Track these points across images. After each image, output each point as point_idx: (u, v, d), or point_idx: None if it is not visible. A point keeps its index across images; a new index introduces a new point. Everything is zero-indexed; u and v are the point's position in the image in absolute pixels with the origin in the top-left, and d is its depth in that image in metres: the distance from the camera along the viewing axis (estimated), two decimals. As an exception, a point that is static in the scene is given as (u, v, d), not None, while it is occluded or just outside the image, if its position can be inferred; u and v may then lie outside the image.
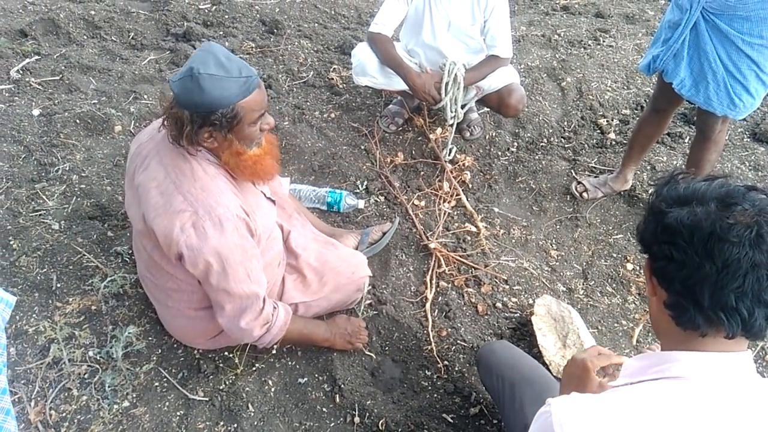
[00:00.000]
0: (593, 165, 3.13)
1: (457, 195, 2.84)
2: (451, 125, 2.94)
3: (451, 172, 2.96)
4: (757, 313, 0.88)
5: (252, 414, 1.92)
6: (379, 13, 2.84)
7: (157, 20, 3.96)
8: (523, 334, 2.27)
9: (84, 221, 2.46)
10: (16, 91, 3.14)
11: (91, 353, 2.02)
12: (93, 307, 2.15)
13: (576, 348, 2.07)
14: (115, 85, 3.30)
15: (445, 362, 2.14)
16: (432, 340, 2.19)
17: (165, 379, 1.99)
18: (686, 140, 3.27)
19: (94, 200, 2.55)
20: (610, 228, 2.81)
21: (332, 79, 3.55)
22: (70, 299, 2.17)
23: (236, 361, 2.02)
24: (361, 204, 2.73)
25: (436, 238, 2.59)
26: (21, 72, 3.26)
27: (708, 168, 2.57)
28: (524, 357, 1.77)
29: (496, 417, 1.99)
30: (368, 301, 2.25)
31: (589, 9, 4.66)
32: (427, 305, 2.31)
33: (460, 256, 2.53)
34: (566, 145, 3.26)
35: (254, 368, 2.04)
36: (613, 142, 3.25)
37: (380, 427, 1.92)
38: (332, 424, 1.93)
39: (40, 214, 2.46)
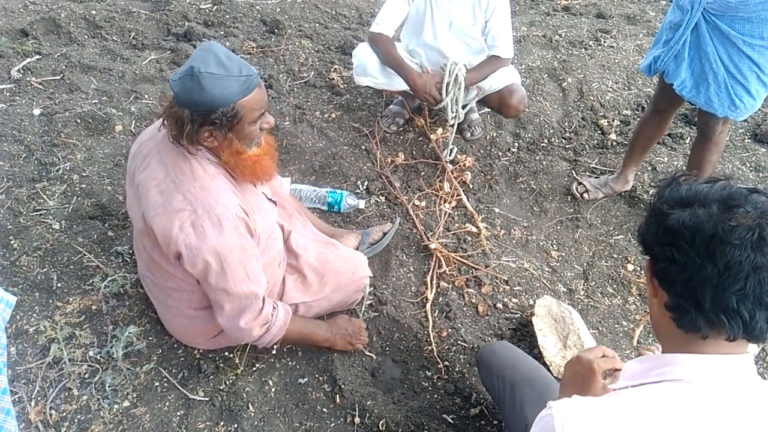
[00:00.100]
0: (594, 166, 3.12)
1: (457, 195, 2.84)
2: (452, 126, 2.94)
3: (452, 172, 2.95)
4: (759, 315, 0.88)
5: (252, 414, 1.92)
6: (380, 13, 2.84)
7: (158, 20, 3.96)
8: (524, 334, 2.27)
9: (84, 221, 2.46)
10: (17, 90, 3.14)
11: (91, 353, 2.02)
12: (93, 307, 2.15)
13: (577, 349, 2.07)
14: (116, 85, 3.30)
15: (446, 363, 2.14)
16: (432, 340, 2.19)
17: (165, 379, 1.99)
18: (687, 141, 3.27)
19: (95, 200, 2.56)
20: (611, 229, 2.81)
21: (333, 79, 3.55)
22: (71, 299, 2.17)
23: (236, 361, 2.02)
24: (362, 204, 2.73)
25: (437, 239, 2.59)
26: (22, 71, 3.26)
27: (709, 169, 2.57)
28: (525, 358, 1.77)
29: (496, 417, 1.99)
30: (369, 302, 2.24)
31: (590, 9, 4.66)
32: (428, 306, 2.31)
33: (460, 257, 2.53)
34: (567, 146, 3.26)
35: (254, 368, 2.04)
36: (614, 143, 3.25)
37: (380, 428, 1.91)
38: (332, 425, 1.93)
39: (40, 214, 2.46)
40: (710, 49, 2.20)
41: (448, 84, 2.76)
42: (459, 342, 2.22)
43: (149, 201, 1.65)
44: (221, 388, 1.97)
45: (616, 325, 2.38)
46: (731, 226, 0.87)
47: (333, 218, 2.68)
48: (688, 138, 3.28)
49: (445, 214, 2.74)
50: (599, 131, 3.35)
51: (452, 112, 2.86)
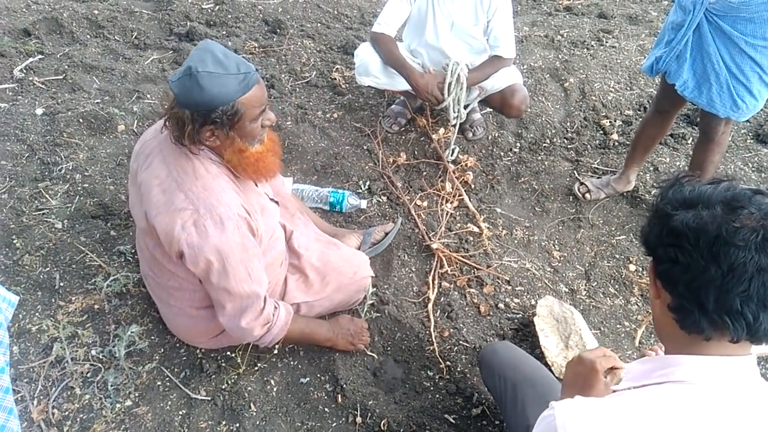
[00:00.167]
0: (596, 166, 3.12)
1: (459, 195, 2.84)
2: (454, 125, 2.94)
3: (454, 172, 2.95)
4: (762, 317, 0.88)
5: (254, 413, 1.92)
6: (382, 13, 2.84)
7: (160, 20, 3.96)
8: (526, 334, 2.27)
9: (87, 220, 2.46)
10: (20, 90, 3.15)
11: (93, 352, 2.02)
12: (96, 306, 2.16)
13: (578, 349, 2.07)
14: (119, 85, 3.30)
15: (447, 363, 2.14)
16: (434, 340, 2.19)
17: (167, 379, 1.99)
18: (689, 141, 3.26)
19: (97, 199, 2.56)
20: (613, 229, 2.81)
21: (335, 79, 3.55)
22: (73, 298, 2.17)
23: (238, 360, 2.03)
24: (364, 204, 2.73)
25: (439, 239, 2.59)
26: (24, 71, 3.27)
27: (711, 169, 2.57)
28: (526, 358, 1.77)
29: (498, 418, 1.99)
30: (370, 302, 2.24)
31: (592, 10, 4.66)
32: (430, 306, 2.31)
33: (462, 257, 2.53)
34: (569, 146, 3.26)
35: (256, 368, 2.04)
36: (616, 143, 3.24)
37: (382, 428, 1.92)
38: (334, 424, 1.93)
39: (43, 213, 2.47)
40: (712, 50, 2.20)
41: (450, 84, 2.76)
42: (461, 342, 2.22)
43: (151, 200, 1.65)
44: (223, 387, 1.97)
45: (618, 326, 2.38)
46: (735, 227, 0.87)
47: (335, 218, 2.68)
48: (690, 138, 3.28)
49: (446, 214, 2.74)
50: (601, 131, 3.34)
51: (454, 112, 2.86)
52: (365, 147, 3.09)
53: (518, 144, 3.24)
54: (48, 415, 1.85)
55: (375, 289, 2.32)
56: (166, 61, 3.59)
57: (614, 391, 1.12)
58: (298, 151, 3.00)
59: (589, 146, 3.25)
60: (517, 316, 2.35)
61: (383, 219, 2.70)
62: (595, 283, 2.55)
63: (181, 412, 1.91)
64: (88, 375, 1.96)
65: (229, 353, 2.06)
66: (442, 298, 2.37)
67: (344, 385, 2.01)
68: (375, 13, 4.28)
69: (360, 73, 2.91)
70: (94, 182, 2.64)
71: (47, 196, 2.55)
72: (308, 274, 2.07)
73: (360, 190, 2.83)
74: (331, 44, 3.92)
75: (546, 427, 0.94)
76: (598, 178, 3.01)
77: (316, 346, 2.08)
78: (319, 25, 4.13)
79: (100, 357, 2.01)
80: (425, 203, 2.81)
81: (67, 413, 1.87)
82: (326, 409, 1.97)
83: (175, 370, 2.02)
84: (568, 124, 3.38)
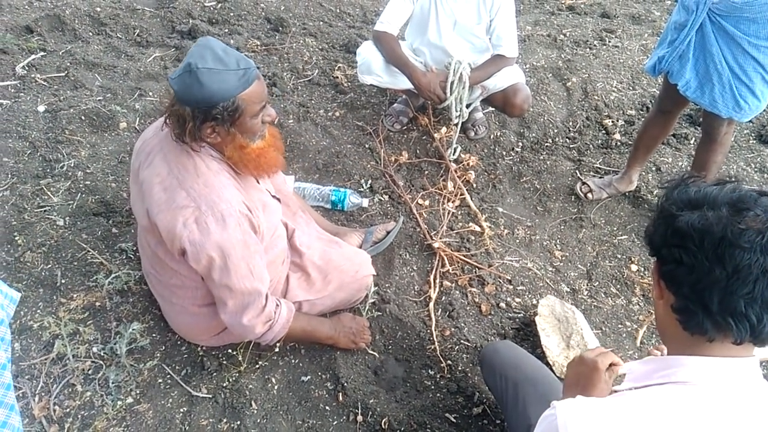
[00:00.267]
0: (598, 166, 3.12)
1: (461, 194, 2.84)
2: (456, 124, 2.94)
3: (456, 171, 2.95)
4: (766, 319, 0.88)
5: (255, 411, 1.92)
6: (385, 11, 2.84)
7: (162, 17, 3.96)
8: (527, 334, 2.27)
9: (89, 217, 2.46)
10: (22, 87, 3.15)
11: (95, 349, 2.02)
12: (97, 304, 2.16)
13: (580, 349, 2.07)
14: (121, 82, 3.30)
15: (449, 362, 2.14)
16: (435, 339, 2.19)
17: (168, 376, 1.99)
18: (692, 141, 3.26)
19: (99, 197, 2.56)
20: (615, 229, 2.80)
21: (337, 77, 3.55)
22: (75, 295, 2.17)
23: (240, 358, 2.03)
24: (365, 203, 2.73)
25: (440, 238, 2.59)
26: (26, 68, 3.27)
27: (714, 170, 2.56)
28: (528, 357, 1.76)
29: (499, 417, 1.99)
30: (372, 300, 2.24)
31: (595, 9, 4.65)
32: (431, 304, 2.31)
33: (464, 256, 2.53)
34: (571, 146, 3.25)
35: (257, 366, 2.04)
36: (618, 143, 3.24)
37: (383, 426, 1.92)
38: (335, 423, 1.93)
39: (44, 210, 2.47)
40: (715, 50, 2.20)
41: (452, 83, 2.76)
42: (462, 341, 2.22)
43: (153, 198, 1.65)
44: (224, 385, 1.97)
45: (620, 326, 2.38)
46: (740, 229, 0.87)
47: (336, 217, 2.68)
48: (693, 138, 3.27)
49: (448, 213, 2.74)
50: (603, 131, 3.34)
51: (456, 111, 2.86)
52: (367, 146, 3.09)
53: (520, 143, 3.24)
54: (49, 412, 1.85)
55: (376, 287, 2.32)
56: (168, 58, 3.59)
57: (616, 391, 1.12)
58: (300, 150, 3.00)
59: (591, 146, 3.24)
60: (519, 315, 2.35)
61: (385, 218, 2.70)
62: (597, 282, 2.54)
63: (182, 410, 1.91)
64: (90, 372, 1.96)
65: (230, 351, 2.06)
66: (444, 297, 2.37)
67: (345, 384, 2.01)
68: (377, 11, 4.28)
69: (362, 72, 2.91)
70: (95, 179, 2.64)
71: (49, 193, 2.55)
72: (310, 272, 2.07)
73: (362, 189, 2.83)
74: (333, 42, 3.91)
75: (547, 426, 0.94)
76: (600, 177, 3.01)
77: (317, 345, 2.08)
78: (321, 23, 4.13)
79: (102, 354, 2.01)
80: (427, 202, 2.81)
81: (68, 410, 1.87)
82: (327, 408, 1.97)
83: (177, 367, 2.02)
84: (571, 123, 3.38)
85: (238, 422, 1.89)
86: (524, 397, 1.60)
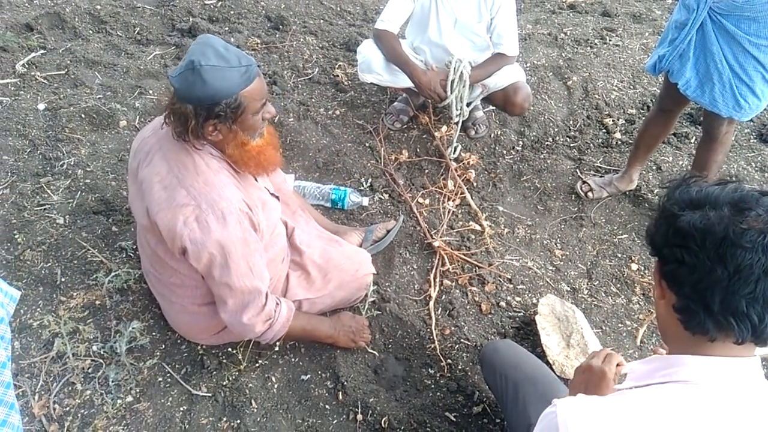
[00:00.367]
0: (598, 164, 3.12)
1: (461, 193, 2.84)
2: (457, 123, 2.94)
3: (456, 170, 2.95)
4: None
5: (255, 410, 1.92)
6: (385, 9, 2.83)
7: (162, 15, 3.96)
8: (527, 333, 2.27)
9: (89, 216, 2.46)
10: (22, 85, 3.14)
11: (95, 348, 2.02)
12: (97, 302, 2.16)
13: (580, 348, 2.07)
14: (121, 80, 3.30)
15: (449, 361, 2.14)
16: (435, 338, 2.19)
17: (168, 375, 1.99)
18: (692, 140, 3.26)
19: (99, 195, 2.56)
20: (615, 228, 2.80)
21: (337, 75, 3.55)
22: (75, 294, 2.17)
23: (239, 357, 2.03)
24: (366, 201, 2.73)
25: (441, 237, 2.59)
26: (26, 66, 3.26)
27: (714, 169, 2.56)
28: (528, 356, 1.76)
29: (498, 416, 1.99)
30: (372, 299, 2.24)
31: (596, 8, 4.64)
32: (431, 303, 2.31)
33: (464, 255, 2.53)
34: (571, 145, 3.25)
35: (257, 364, 2.04)
36: (619, 142, 3.24)
37: (383, 425, 1.92)
38: (335, 421, 1.93)
39: (44, 209, 2.47)
40: (715, 49, 2.19)
41: (452, 81, 2.76)
42: (462, 340, 2.22)
43: (153, 197, 1.65)
44: (224, 383, 1.97)
45: (620, 325, 2.38)
46: (742, 228, 0.87)
47: (336, 215, 2.68)
48: (694, 137, 3.27)
49: (448, 212, 2.74)
50: (604, 130, 3.34)
51: (457, 109, 2.86)
52: (367, 144, 3.08)
53: (521, 142, 3.23)
54: (49, 411, 1.85)
55: (376, 286, 2.32)
56: (168, 56, 3.58)
57: (617, 390, 1.12)
58: (300, 148, 3.00)
59: (591, 145, 3.24)
60: (519, 314, 2.35)
61: (385, 216, 2.70)
62: (597, 281, 2.54)
63: (182, 408, 1.91)
64: (89, 370, 1.96)
65: (230, 350, 2.06)
66: (444, 296, 2.37)
67: (345, 383, 2.01)
68: (378, 9, 4.27)
69: (362, 70, 2.91)
70: (95, 178, 2.64)
71: (49, 191, 2.55)
72: (310, 271, 2.07)
73: (362, 188, 2.83)
74: (333, 41, 3.91)
75: (548, 424, 0.94)
76: (600, 176, 3.00)
77: (317, 343, 2.08)
78: (321, 21, 4.12)
79: (101, 353, 2.01)
80: (427, 201, 2.81)
81: (68, 408, 1.87)
82: (327, 406, 1.97)
83: (176, 366, 2.02)
84: (571, 122, 3.37)
85: (238, 421, 1.89)
86: (524, 397, 1.60)
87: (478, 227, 2.67)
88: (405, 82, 2.87)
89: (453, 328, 2.25)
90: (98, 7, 3.86)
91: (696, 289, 0.91)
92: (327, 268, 2.09)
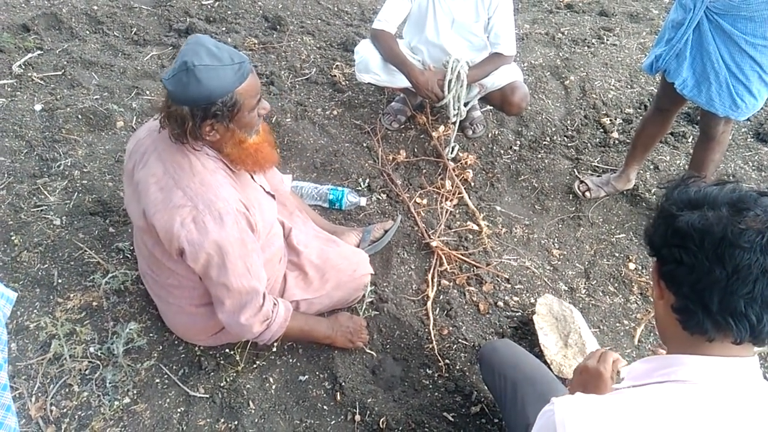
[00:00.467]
0: (596, 164, 3.12)
1: (459, 193, 2.84)
2: (454, 123, 2.94)
3: (454, 170, 2.95)
4: (766, 319, 0.88)
5: (253, 411, 1.91)
6: (383, 9, 2.83)
7: (159, 16, 3.95)
8: (525, 333, 2.27)
9: (85, 217, 2.46)
10: (18, 86, 3.14)
11: (92, 349, 2.02)
12: (94, 303, 2.15)
13: (577, 347, 2.07)
14: (118, 81, 3.29)
15: (446, 361, 2.14)
16: (433, 338, 2.19)
17: (166, 376, 1.99)
18: (690, 140, 3.26)
19: (96, 196, 2.55)
20: (613, 227, 2.80)
21: (335, 76, 3.54)
22: (71, 295, 2.17)
23: (237, 358, 2.02)
24: (363, 202, 2.73)
25: (438, 237, 2.59)
26: (23, 67, 3.26)
27: (712, 168, 2.56)
28: (527, 356, 1.76)
29: (497, 416, 1.98)
30: (370, 299, 2.24)
31: (593, 7, 4.64)
32: (429, 303, 2.30)
33: (461, 255, 2.53)
34: (569, 144, 3.25)
35: (255, 365, 2.04)
36: (616, 142, 3.24)
37: (381, 425, 1.91)
38: (333, 422, 1.93)
39: (41, 210, 2.46)
40: (712, 48, 2.19)
41: (450, 81, 2.76)
42: (460, 340, 2.22)
43: (149, 198, 1.64)
44: (222, 385, 1.97)
45: (618, 324, 2.38)
46: (741, 229, 0.87)
47: (334, 216, 2.68)
48: (691, 137, 3.27)
49: (446, 212, 2.74)
50: (601, 129, 3.34)
51: (454, 109, 2.86)
52: (365, 144, 3.08)
53: (518, 142, 3.23)
54: (46, 412, 1.85)
55: (374, 286, 2.31)
56: (165, 57, 3.58)
57: (616, 389, 1.12)
58: (298, 149, 2.99)
59: (589, 144, 3.24)
60: (517, 314, 2.35)
61: (383, 216, 2.70)
62: (595, 281, 2.54)
63: (179, 410, 1.91)
64: (87, 372, 1.96)
65: (227, 351, 2.05)
66: (442, 296, 2.37)
67: (343, 383, 2.00)
68: (375, 9, 4.27)
69: (360, 70, 2.90)
70: (92, 179, 2.63)
71: (46, 192, 2.54)
72: (307, 271, 2.07)
73: (359, 188, 2.83)
74: (331, 41, 3.91)
75: (545, 422, 0.94)
76: (598, 176, 3.01)
77: (315, 344, 2.08)
78: (319, 21, 4.12)
79: (99, 354, 2.00)
80: (425, 201, 2.81)
81: (65, 410, 1.86)
82: (325, 407, 1.96)
83: (174, 367, 2.02)
84: (569, 122, 3.38)
85: (236, 422, 1.88)
86: (523, 397, 1.60)
87: (475, 227, 2.67)
88: (402, 82, 2.87)
89: (451, 328, 2.25)
90: (95, 7, 3.85)
91: (694, 289, 0.91)
92: (324, 269, 2.09)
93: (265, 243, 1.83)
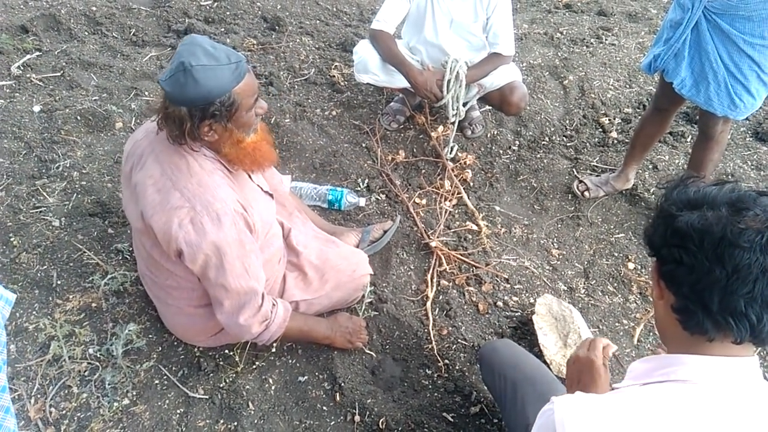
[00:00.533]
0: (595, 164, 3.12)
1: (458, 193, 2.84)
2: (453, 123, 2.93)
3: (453, 170, 2.95)
4: (766, 318, 0.88)
5: (252, 412, 1.91)
6: (381, 10, 2.83)
7: (158, 17, 3.95)
8: (524, 333, 2.27)
9: (84, 218, 2.45)
10: (17, 87, 3.13)
11: (91, 351, 2.01)
12: (93, 305, 2.15)
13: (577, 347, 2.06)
14: (116, 82, 3.29)
15: (446, 361, 2.13)
16: (432, 338, 2.19)
17: (165, 377, 1.99)
18: (688, 139, 3.26)
19: (95, 197, 2.55)
20: (612, 227, 2.80)
21: (334, 76, 3.54)
22: (71, 296, 2.16)
23: (236, 359, 2.02)
24: (362, 202, 2.73)
25: (437, 237, 2.59)
26: (22, 68, 3.25)
27: (710, 168, 2.57)
28: (527, 356, 1.76)
29: (496, 416, 1.98)
30: (369, 300, 2.24)
31: (592, 7, 4.65)
32: (428, 304, 2.30)
33: (461, 255, 2.53)
34: (568, 144, 3.25)
35: (254, 366, 2.04)
36: (615, 141, 3.24)
37: (380, 426, 1.91)
38: (332, 423, 1.93)
39: (40, 211, 2.46)
40: (710, 48, 2.19)
41: (449, 81, 2.76)
42: (459, 340, 2.22)
43: (147, 200, 1.64)
44: (221, 386, 1.97)
45: (617, 324, 2.38)
46: (740, 228, 0.87)
47: (333, 216, 2.67)
48: (690, 136, 3.27)
49: (445, 212, 2.74)
50: (600, 129, 3.34)
51: (453, 109, 2.86)
52: (364, 145, 3.08)
53: (517, 142, 3.23)
54: (45, 414, 1.84)
55: (373, 287, 2.31)
56: (164, 58, 3.58)
57: (615, 388, 1.12)
58: (297, 149, 2.99)
59: (588, 144, 3.24)
60: (516, 314, 2.35)
61: (382, 217, 2.70)
62: (594, 281, 2.54)
63: (178, 411, 1.91)
64: (86, 374, 1.96)
65: (227, 352, 2.05)
66: (441, 297, 2.37)
67: (342, 384, 2.00)
68: (374, 10, 4.27)
69: (359, 71, 2.90)
70: (91, 180, 2.63)
71: (44, 193, 2.54)
72: (307, 271, 2.07)
73: (359, 188, 2.83)
74: (329, 41, 3.90)
75: (545, 421, 0.95)
76: (597, 176, 3.01)
77: (314, 344, 2.08)
78: (317, 22, 4.12)
79: (98, 355, 2.00)
80: (424, 201, 2.81)
81: (64, 412, 1.86)
82: (324, 408, 1.96)
83: (173, 368, 2.02)
84: (567, 121, 3.38)
85: (235, 423, 1.88)
86: (523, 397, 1.60)
87: (475, 227, 2.67)
88: (401, 82, 2.87)
89: (450, 329, 2.25)
90: (93, 8, 3.85)
91: (694, 289, 0.91)
92: (324, 269, 2.09)
93: (264, 243, 1.83)
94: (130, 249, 2.30)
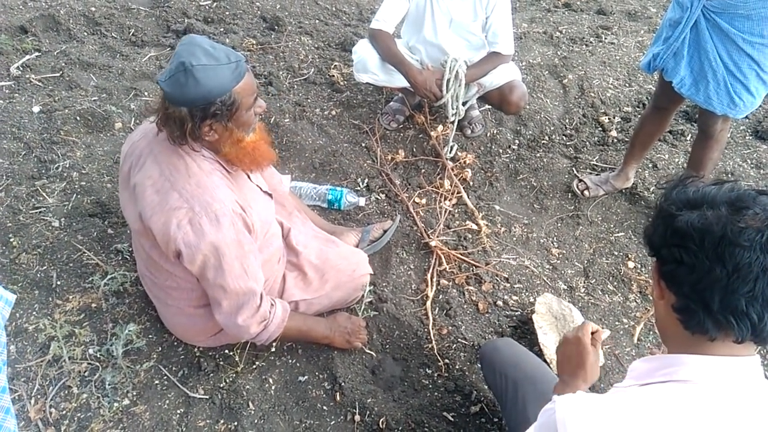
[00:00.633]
0: (595, 163, 3.12)
1: (458, 193, 2.84)
2: (453, 122, 2.93)
3: (452, 169, 2.95)
4: (767, 317, 0.88)
5: (252, 412, 1.91)
6: (380, 9, 2.83)
7: (157, 17, 3.95)
8: (524, 332, 2.27)
9: (84, 218, 2.45)
10: (17, 87, 3.13)
11: (91, 351, 2.01)
12: (93, 305, 2.15)
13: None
14: (116, 82, 3.29)
15: (446, 360, 2.13)
16: (432, 338, 2.19)
17: (165, 377, 1.99)
18: (688, 138, 3.26)
19: (95, 197, 2.55)
20: (612, 226, 2.80)
21: (333, 76, 3.54)
22: (70, 297, 2.16)
23: (236, 359, 2.02)
24: (362, 202, 2.72)
25: (437, 236, 2.59)
26: (21, 69, 3.25)
27: (710, 166, 2.57)
28: (528, 355, 1.76)
29: (497, 415, 1.98)
30: (369, 299, 2.24)
31: (591, 6, 4.65)
32: (428, 303, 2.30)
33: (461, 254, 2.53)
34: (568, 143, 3.25)
35: (254, 366, 2.04)
36: (615, 140, 3.24)
37: (380, 426, 1.91)
38: (333, 422, 1.93)
39: (40, 212, 2.46)
40: (710, 47, 2.19)
41: (448, 81, 2.76)
42: (459, 340, 2.22)
43: (145, 201, 1.63)
44: (221, 386, 1.97)
45: (617, 323, 2.38)
46: (740, 227, 0.87)
47: (333, 216, 2.67)
48: (689, 135, 3.27)
49: (445, 212, 2.74)
50: (600, 128, 3.34)
51: (452, 109, 2.85)
52: (363, 144, 3.08)
53: (517, 141, 3.23)
54: (45, 415, 1.84)
55: (373, 286, 2.31)
56: (163, 58, 3.57)
57: (614, 387, 1.12)
58: (296, 149, 2.99)
59: (587, 143, 3.24)
60: (516, 313, 2.35)
61: (382, 216, 2.70)
62: (594, 280, 2.54)
63: (179, 411, 1.91)
64: (86, 374, 1.96)
65: (227, 352, 2.05)
66: (441, 296, 2.37)
67: (343, 383, 2.00)
68: (373, 9, 4.26)
69: (358, 70, 2.90)
70: (91, 180, 2.63)
71: (44, 194, 2.53)
72: (307, 271, 2.07)
73: (358, 188, 2.83)
74: (329, 41, 3.90)
75: (546, 420, 0.95)
76: (596, 175, 3.00)
77: (314, 344, 2.08)
78: (317, 21, 4.12)
79: (98, 356, 2.00)
80: (424, 201, 2.81)
81: (64, 412, 1.86)
82: (325, 408, 1.96)
83: (173, 368, 2.02)
84: (567, 120, 3.38)
85: (236, 423, 1.88)
86: (524, 396, 1.60)
87: (474, 226, 2.67)
88: (401, 81, 2.86)
89: (450, 328, 2.25)
90: (93, 8, 3.85)
91: (695, 289, 0.91)
92: (324, 269, 2.09)
93: (263, 243, 1.83)
94: (130, 249, 2.30)
